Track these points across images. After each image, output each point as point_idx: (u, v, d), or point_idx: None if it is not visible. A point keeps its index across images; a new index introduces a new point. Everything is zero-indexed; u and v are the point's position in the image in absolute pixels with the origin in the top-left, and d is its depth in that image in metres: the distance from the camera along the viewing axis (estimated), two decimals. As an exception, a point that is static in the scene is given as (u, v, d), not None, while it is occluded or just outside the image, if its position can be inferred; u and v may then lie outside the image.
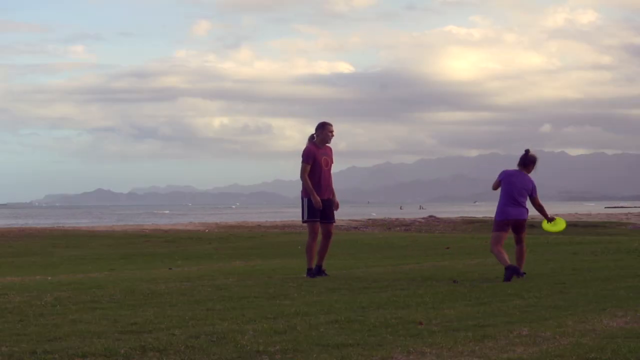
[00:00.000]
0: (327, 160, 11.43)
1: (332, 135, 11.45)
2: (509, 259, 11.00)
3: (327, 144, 11.51)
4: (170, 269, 14.08)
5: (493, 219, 11.51)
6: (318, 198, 11.25)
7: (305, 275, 11.40)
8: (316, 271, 11.49)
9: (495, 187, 11.37)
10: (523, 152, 11.39)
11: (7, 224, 55.95)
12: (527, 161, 11.25)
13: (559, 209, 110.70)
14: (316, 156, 11.33)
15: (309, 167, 11.30)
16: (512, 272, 10.68)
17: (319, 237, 11.55)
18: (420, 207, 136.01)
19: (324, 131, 11.39)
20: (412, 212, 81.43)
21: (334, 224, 11.81)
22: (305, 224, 11.65)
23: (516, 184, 11.16)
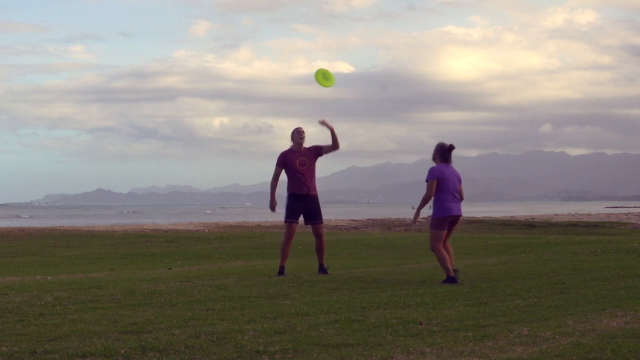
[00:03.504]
0: (303, 160, 11.86)
1: (301, 136, 11.91)
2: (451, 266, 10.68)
3: (304, 146, 11.94)
4: (170, 269, 14.07)
5: (431, 217, 10.96)
6: (274, 201, 11.88)
7: (275, 275, 11.63)
8: (319, 269, 11.92)
9: (433, 192, 10.80)
10: (440, 145, 10.98)
11: (7, 224, 55.94)
12: (450, 153, 10.96)
13: (559, 209, 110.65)
14: (288, 160, 11.88)
15: (278, 171, 11.94)
16: (452, 282, 10.44)
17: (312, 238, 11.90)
18: (430, 207, 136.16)
19: (294, 137, 11.98)
20: (424, 213, 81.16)
21: (322, 224, 11.98)
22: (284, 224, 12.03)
23: (452, 178, 10.86)
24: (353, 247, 20.04)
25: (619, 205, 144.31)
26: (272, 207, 11.89)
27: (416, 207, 11.06)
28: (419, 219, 11.19)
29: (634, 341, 6.26)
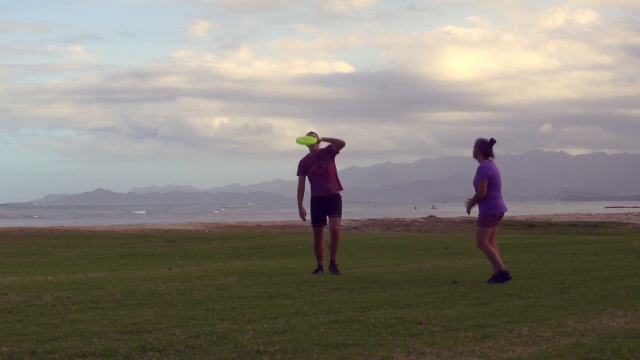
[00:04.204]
0: (320, 164, 12.07)
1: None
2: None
3: (320, 148, 12.12)
4: (170, 269, 14.08)
5: (480, 214, 10.65)
6: (302, 209, 12.23)
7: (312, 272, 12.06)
8: (329, 266, 12.08)
9: (485, 192, 10.53)
10: (481, 141, 10.73)
11: (7, 224, 55.93)
12: (491, 147, 10.75)
13: (559, 209, 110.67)
14: (306, 166, 12.17)
15: (300, 179, 12.26)
16: (505, 279, 10.35)
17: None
18: (433, 207, 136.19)
19: None
20: (426, 212, 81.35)
21: (338, 218, 12.09)
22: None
23: (499, 175, 10.69)
24: (353, 247, 20.03)
25: (619, 205, 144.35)
26: (302, 216, 12.21)
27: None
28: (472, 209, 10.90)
29: (634, 341, 6.26)
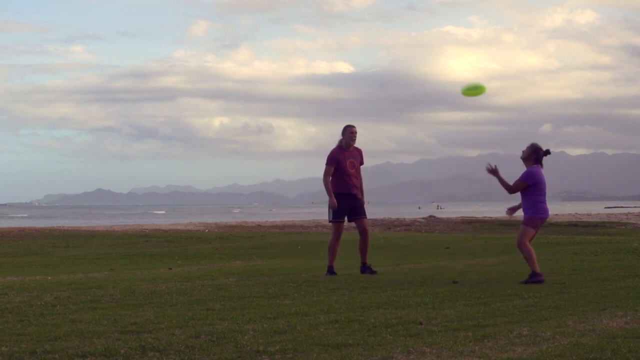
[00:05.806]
0: (352, 162, 11.82)
1: (354, 136, 11.79)
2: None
3: (356, 146, 11.90)
4: (170, 269, 14.08)
5: (528, 216, 10.62)
6: (334, 200, 11.66)
7: (325, 273, 11.70)
8: (362, 268, 11.92)
9: (517, 192, 10.67)
10: (536, 147, 10.71)
11: (7, 224, 55.86)
12: (543, 158, 10.77)
13: (559, 209, 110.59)
14: (340, 159, 11.73)
15: (331, 170, 11.73)
16: (538, 281, 10.30)
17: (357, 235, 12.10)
18: (438, 207, 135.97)
19: (346, 133, 11.77)
20: (429, 212, 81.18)
21: (366, 219, 12.04)
22: (331, 224, 11.97)
23: (545, 182, 10.72)
24: (353, 247, 20.01)
25: (619, 205, 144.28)
26: (334, 206, 11.61)
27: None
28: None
29: (634, 341, 6.26)
